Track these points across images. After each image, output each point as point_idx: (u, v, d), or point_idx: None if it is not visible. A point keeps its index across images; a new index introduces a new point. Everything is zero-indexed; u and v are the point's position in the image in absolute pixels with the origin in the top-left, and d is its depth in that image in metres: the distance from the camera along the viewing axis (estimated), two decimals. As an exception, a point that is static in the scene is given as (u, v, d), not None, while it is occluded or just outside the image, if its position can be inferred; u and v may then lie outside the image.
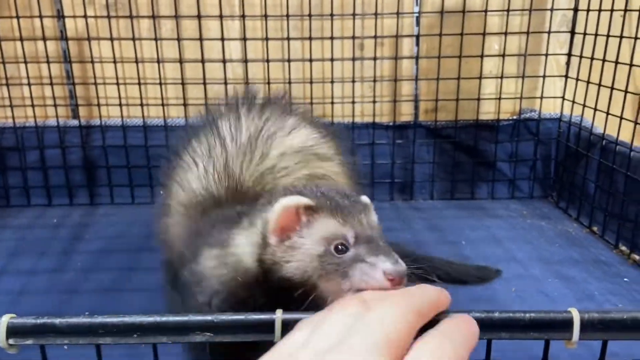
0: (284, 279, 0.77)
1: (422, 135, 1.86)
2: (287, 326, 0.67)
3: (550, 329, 0.65)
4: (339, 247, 0.74)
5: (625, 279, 1.26)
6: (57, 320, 0.68)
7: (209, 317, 0.67)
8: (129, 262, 1.38)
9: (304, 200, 0.77)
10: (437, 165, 1.86)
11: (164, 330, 0.68)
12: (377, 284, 0.70)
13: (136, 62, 1.72)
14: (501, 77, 1.80)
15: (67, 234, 1.56)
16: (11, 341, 0.68)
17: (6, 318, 0.68)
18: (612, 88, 1.49)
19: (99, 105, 1.77)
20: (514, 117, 1.84)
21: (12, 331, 0.68)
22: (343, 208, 0.77)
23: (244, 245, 0.82)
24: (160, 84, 1.75)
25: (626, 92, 1.44)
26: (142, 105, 1.77)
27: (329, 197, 0.79)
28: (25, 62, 1.72)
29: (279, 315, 0.67)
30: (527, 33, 1.76)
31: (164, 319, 0.67)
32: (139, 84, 1.75)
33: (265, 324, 0.67)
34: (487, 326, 0.64)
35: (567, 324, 0.64)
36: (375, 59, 1.79)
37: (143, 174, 1.80)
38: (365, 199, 0.82)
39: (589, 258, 1.38)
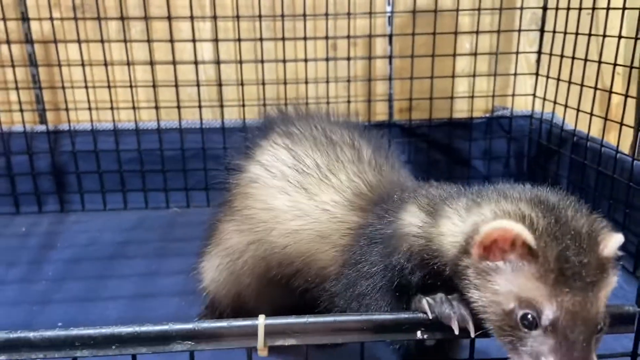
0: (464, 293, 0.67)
1: (397, 134, 1.87)
2: (272, 333, 0.66)
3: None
4: (527, 317, 0.60)
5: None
6: (31, 334, 0.66)
7: (189, 326, 0.65)
8: (102, 270, 1.34)
9: (526, 236, 0.61)
10: (412, 164, 1.87)
11: (144, 340, 0.66)
12: None
13: (105, 64, 1.68)
14: (473, 76, 1.81)
15: (36, 242, 1.51)
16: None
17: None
18: (581, 85, 1.52)
19: (67, 109, 1.73)
20: (487, 115, 1.87)
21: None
22: (565, 270, 0.60)
23: (450, 233, 0.71)
24: (131, 86, 1.72)
25: (595, 88, 1.47)
26: (112, 108, 1.73)
27: (560, 239, 0.61)
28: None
29: (261, 322, 0.66)
30: (498, 32, 1.78)
31: (144, 329, 0.66)
32: (109, 87, 1.71)
33: (248, 331, 0.66)
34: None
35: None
36: (349, 59, 1.78)
37: (114, 179, 1.76)
38: (614, 248, 0.64)
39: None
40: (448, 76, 1.81)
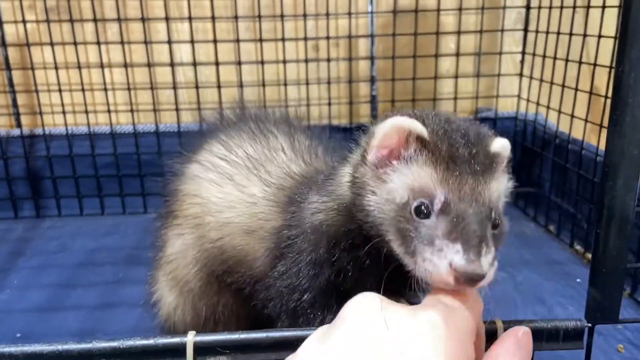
0: (365, 221, 0.66)
1: (379, 137, 1.83)
2: (202, 349, 0.63)
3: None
4: (421, 208, 0.60)
5: (578, 280, 1.25)
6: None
7: (114, 344, 0.62)
8: (68, 279, 1.31)
9: (419, 128, 0.62)
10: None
11: (68, 359, 0.63)
12: (438, 278, 0.57)
13: (79, 67, 1.65)
14: (456, 77, 1.77)
15: (7, 249, 1.48)
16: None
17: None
18: (562, 86, 1.48)
19: (40, 113, 1.70)
20: (471, 117, 1.82)
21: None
22: (455, 157, 0.61)
23: (344, 172, 0.72)
24: (105, 89, 1.69)
25: (576, 89, 1.42)
26: (86, 112, 1.70)
27: (450, 134, 0.63)
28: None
29: (190, 338, 0.63)
30: (481, 32, 1.74)
31: (66, 347, 0.62)
32: (83, 90, 1.68)
33: (176, 348, 0.63)
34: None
35: (492, 335, 0.63)
36: (329, 60, 1.75)
37: (91, 184, 1.73)
38: (501, 146, 0.66)
39: (542, 259, 1.36)
40: (430, 77, 1.77)
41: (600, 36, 1.31)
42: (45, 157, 1.71)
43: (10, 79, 1.71)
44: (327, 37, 1.73)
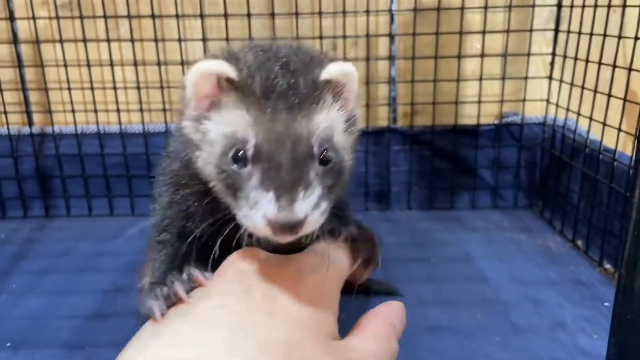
0: (202, 176, 0.63)
1: (398, 141, 1.74)
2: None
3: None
4: (237, 156, 0.55)
5: (606, 304, 1.14)
6: None
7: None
8: (67, 285, 1.27)
9: (225, 69, 0.56)
10: (414, 172, 1.75)
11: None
12: (255, 231, 0.53)
13: (88, 65, 1.62)
14: (480, 79, 1.67)
15: (12, 251, 1.46)
16: None
17: None
18: (595, 90, 1.37)
19: (49, 111, 1.67)
20: (496, 122, 1.72)
21: None
22: (268, 93, 0.53)
23: (177, 124, 0.73)
24: (115, 88, 1.65)
25: (609, 95, 1.31)
26: (96, 111, 1.67)
27: (266, 67, 0.56)
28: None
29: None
30: (508, 31, 1.64)
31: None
32: (92, 88, 1.64)
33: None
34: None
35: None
36: (346, 60, 1.66)
37: (100, 184, 1.70)
38: (335, 72, 0.58)
39: (567, 278, 1.26)
40: (453, 80, 1.68)
41: (637, 38, 1.19)
42: (54, 155, 1.68)
43: (22, 76, 1.69)
44: (344, 36, 1.65)
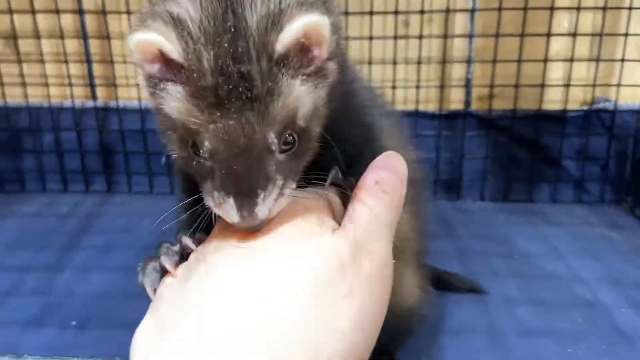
0: None
1: (473, 126, 1.62)
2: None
3: None
4: (196, 146, 0.51)
5: None
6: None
7: None
8: (131, 262, 1.23)
9: (167, 48, 0.48)
10: (490, 160, 1.63)
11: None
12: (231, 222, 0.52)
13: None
14: (571, 60, 1.53)
15: (74, 225, 1.44)
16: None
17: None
18: None
19: (114, 85, 1.63)
20: (585, 108, 1.58)
21: None
22: (220, 85, 0.47)
23: None
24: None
25: None
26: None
27: (214, 48, 0.47)
28: (39, 37, 1.60)
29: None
30: (604, 9, 1.48)
31: None
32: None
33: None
34: None
35: None
36: (421, 37, 1.56)
37: (160, 161, 1.66)
38: (295, 32, 0.49)
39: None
40: (539, 60, 1.54)
41: None
42: (118, 131, 1.65)
43: (86, 49, 1.66)
44: (422, 11, 1.54)
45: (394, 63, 1.58)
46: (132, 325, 0.98)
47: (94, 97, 1.70)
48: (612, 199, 1.60)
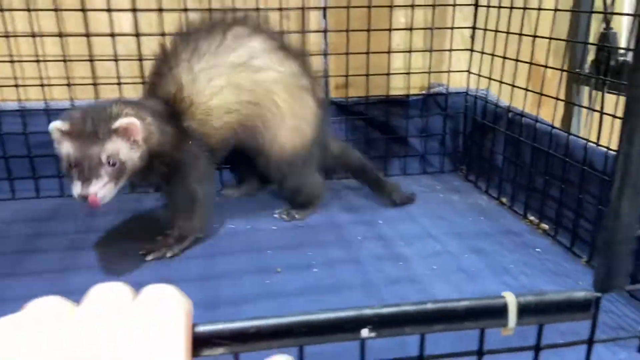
0: None
1: (333, 112, 1.80)
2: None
3: (486, 317, 0.61)
4: (69, 164, 1.07)
5: (537, 249, 1.28)
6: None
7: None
8: (10, 267, 1.20)
9: (58, 126, 1.09)
10: (349, 142, 1.81)
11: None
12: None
13: (6, 36, 1.49)
14: (410, 51, 1.77)
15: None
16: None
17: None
18: (516, 60, 1.51)
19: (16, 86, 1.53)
20: (424, 92, 1.83)
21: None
22: (79, 136, 1.07)
23: None
24: (38, 61, 1.54)
25: (529, 62, 1.45)
26: (17, 86, 1.55)
27: (84, 122, 1.08)
28: None
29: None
30: (433, 6, 1.74)
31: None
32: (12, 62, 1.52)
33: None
34: (420, 319, 0.59)
35: (502, 311, 0.60)
36: (282, 32, 1.68)
37: (24, 164, 1.59)
38: (118, 123, 1.08)
39: (500, 230, 1.39)
40: (385, 52, 1.75)
41: (556, 10, 1.34)
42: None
43: None
44: (280, 9, 1.66)
45: (258, 57, 1.68)
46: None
47: None
48: (450, 169, 1.88)
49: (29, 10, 1.51)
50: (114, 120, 1.08)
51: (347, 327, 0.58)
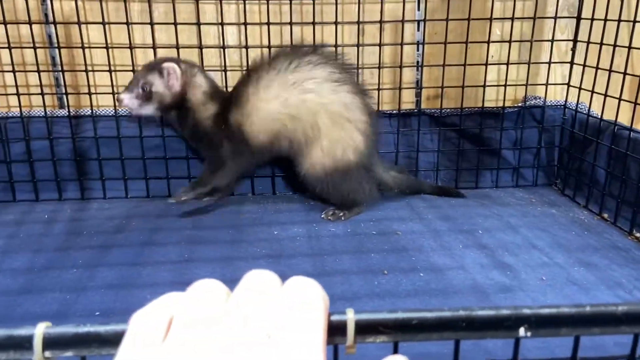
0: None
1: (425, 123, 1.82)
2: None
3: (643, 321, 0.62)
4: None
5: (647, 265, 1.26)
6: (102, 329, 0.61)
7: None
8: (134, 258, 1.30)
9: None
10: (441, 153, 1.83)
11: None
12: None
13: (130, 47, 1.62)
14: (507, 64, 1.77)
15: (61, 229, 1.46)
16: (47, 354, 0.60)
17: (41, 328, 0.60)
18: (625, 73, 1.48)
19: (89, 93, 1.66)
20: (520, 105, 1.82)
21: (49, 343, 0.60)
22: (144, 67, 1.50)
23: None
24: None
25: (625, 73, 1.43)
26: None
27: (157, 59, 1.52)
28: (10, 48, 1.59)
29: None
30: (534, 18, 1.73)
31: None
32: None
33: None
34: (577, 321, 0.60)
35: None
36: (381, 44, 1.73)
37: (137, 166, 1.71)
38: (165, 65, 1.46)
39: (606, 245, 1.37)
40: (481, 64, 1.77)
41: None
42: (91, 138, 1.68)
43: (54, 58, 1.68)
44: (380, 22, 1.71)
45: (358, 68, 1.73)
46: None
47: (62, 105, 1.72)
48: (543, 182, 1.86)
49: (150, 24, 1.63)
50: (165, 63, 1.45)
51: (505, 325, 0.60)
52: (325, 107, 1.45)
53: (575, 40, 1.76)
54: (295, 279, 0.48)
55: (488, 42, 1.73)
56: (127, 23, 1.60)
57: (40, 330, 0.58)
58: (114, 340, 0.60)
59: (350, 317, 0.60)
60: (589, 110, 1.68)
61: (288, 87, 1.44)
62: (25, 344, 0.54)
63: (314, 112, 1.45)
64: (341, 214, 1.55)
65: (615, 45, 1.52)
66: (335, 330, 0.60)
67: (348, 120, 1.48)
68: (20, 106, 1.63)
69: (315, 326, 0.43)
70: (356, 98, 1.49)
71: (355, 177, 1.52)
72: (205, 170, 1.59)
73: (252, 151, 1.51)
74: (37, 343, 0.59)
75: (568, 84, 1.78)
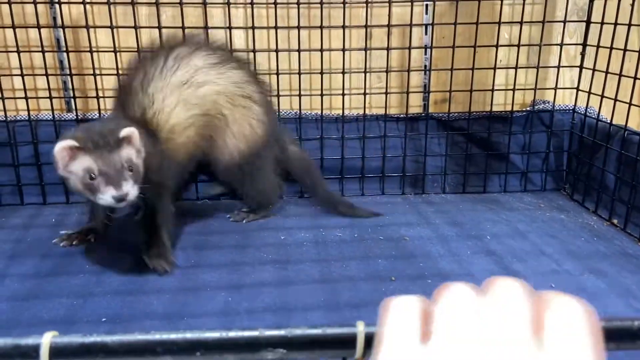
0: None
1: (433, 127, 1.81)
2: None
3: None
4: (91, 176, 1.11)
5: (659, 273, 1.24)
6: (108, 339, 0.60)
7: (281, 333, 0.60)
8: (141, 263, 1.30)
9: (71, 144, 1.11)
10: (448, 158, 1.82)
11: (231, 347, 0.61)
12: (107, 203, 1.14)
13: (138, 51, 1.62)
14: (516, 68, 1.75)
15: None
16: (54, 364, 0.60)
17: (48, 337, 0.59)
18: (635, 77, 1.47)
19: (97, 97, 1.66)
20: (528, 109, 1.81)
21: (56, 352, 0.60)
22: (96, 148, 1.12)
23: None
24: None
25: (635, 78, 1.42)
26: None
27: (93, 137, 1.13)
28: (18, 52, 1.60)
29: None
30: (543, 22, 1.72)
31: (232, 334, 0.60)
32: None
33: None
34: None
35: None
36: (389, 48, 1.72)
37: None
38: (124, 132, 1.15)
39: (616, 251, 1.35)
40: (489, 68, 1.76)
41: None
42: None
43: (62, 62, 1.69)
44: (388, 25, 1.70)
45: (365, 72, 1.71)
46: (159, 316, 1.05)
47: (70, 109, 1.73)
48: (552, 187, 1.85)
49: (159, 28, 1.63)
50: (118, 132, 1.14)
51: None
52: (222, 93, 1.41)
53: (584, 45, 1.74)
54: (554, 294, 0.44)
55: (496, 46, 1.72)
56: (135, 27, 1.60)
57: (47, 340, 0.58)
58: (121, 350, 0.60)
59: (361, 329, 0.60)
60: (598, 114, 1.67)
61: (182, 89, 1.35)
62: (32, 353, 0.55)
63: (214, 102, 1.40)
64: (245, 216, 1.56)
65: (625, 50, 1.51)
66: (343, 344, 0.60)
67: (243, 97, 1.45)
68: (28, 110, 1.64)
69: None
70: (240, 72, 1.46)
71: (267, 159, 1.51)
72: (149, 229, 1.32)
73: (178, 169, 1.39)
74: (44, 353, 0.59)
75: (577, 88, 1.77)
